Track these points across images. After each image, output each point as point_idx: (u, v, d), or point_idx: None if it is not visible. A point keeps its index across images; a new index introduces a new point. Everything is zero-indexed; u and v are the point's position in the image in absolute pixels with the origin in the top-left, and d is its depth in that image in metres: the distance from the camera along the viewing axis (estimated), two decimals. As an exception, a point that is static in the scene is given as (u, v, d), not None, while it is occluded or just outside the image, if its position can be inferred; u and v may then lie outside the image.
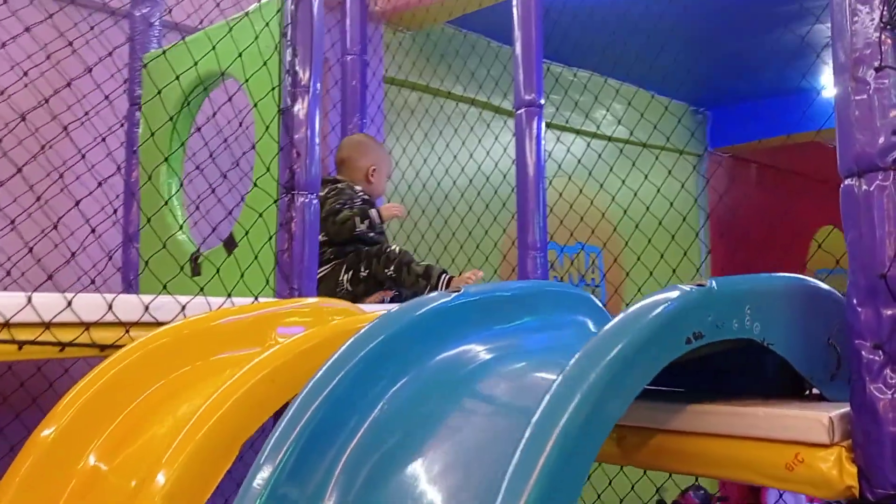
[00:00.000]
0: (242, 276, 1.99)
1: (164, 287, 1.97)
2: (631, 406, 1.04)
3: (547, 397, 0.95)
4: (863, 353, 1.13)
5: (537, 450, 0.90)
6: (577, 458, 0.92)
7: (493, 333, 1.39)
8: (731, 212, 5.86)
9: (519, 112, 2.78)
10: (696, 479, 4.77)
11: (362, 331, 1.29)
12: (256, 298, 1.99)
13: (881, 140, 1.13)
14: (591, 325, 1.59)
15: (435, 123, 3.81)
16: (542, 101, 2.82)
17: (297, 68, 2.10)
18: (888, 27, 1.13)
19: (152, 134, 2.32)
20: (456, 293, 1.39)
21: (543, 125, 2.83)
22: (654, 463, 1.34)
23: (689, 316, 1.07)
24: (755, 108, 5.66)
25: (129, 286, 2.71)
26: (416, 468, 1.15)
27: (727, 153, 6.06)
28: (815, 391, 1.38)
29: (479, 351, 1.34)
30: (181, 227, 2.53)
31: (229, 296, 1.93)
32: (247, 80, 2.14)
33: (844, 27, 1.17)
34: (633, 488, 2.39)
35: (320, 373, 1.22)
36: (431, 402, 1.24)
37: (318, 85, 2.13)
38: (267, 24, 2.04)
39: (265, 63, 2.06)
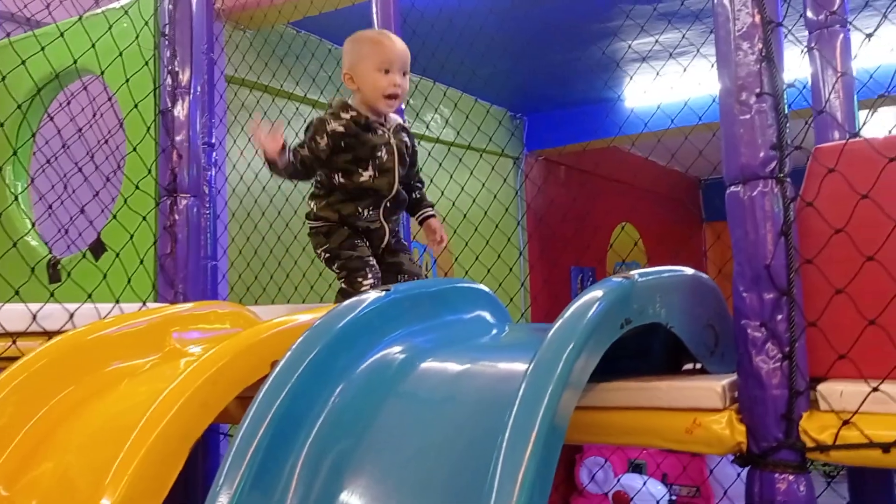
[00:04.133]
0: (129, 281, 1.92)
1: (17, 293, 1.85)
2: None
3: (519, 396, 1.05)
4: (748, 330, 1.35)
5: (521, 446, 0.98)
6: (552, 446, 1.02)
7: (424, 328, 1.49)
8: (544, 208, 6.31)
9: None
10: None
11: (305, 335, 1.33)
12: (144, 304, 1.93)
13: (762, 154, 1.35)
14: (489, 317, 1.73)
15: (276, 122, 3.78)
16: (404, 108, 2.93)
17: (176, 69, 2.05)
18: (766, 60, 1.35)
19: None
20: (387, 291, 1.47)
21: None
22: (572, 437, 1.49)
23: (623, 304, 1.23)
24: (566, 115, 6.15)
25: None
26: (375, 463, 1.21)
27: (541, 156, 6.51)
28: (691, 367, 1.62)
29: (417, 343, 1.43)
30: (33, 228, 2.36)
31: (117, 302, 1.86)
32: (126, 81, 2.05)
33: (730, 58, 1.39)
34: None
35: (270, 382, 1.24)
36: (376, 398, 1.31)
37: (199, 86, 2.09)
38: (146, 22, 1.98)
39: (146, 63, 1.99)
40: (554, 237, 5.99)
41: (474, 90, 5.71)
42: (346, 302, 1.43)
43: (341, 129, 2.21)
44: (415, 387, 1.38)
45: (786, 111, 1.37)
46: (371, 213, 2.27)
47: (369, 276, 2.24)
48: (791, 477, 1.29)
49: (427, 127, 5.13)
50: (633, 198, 7.12)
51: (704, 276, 1.55)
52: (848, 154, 1.36)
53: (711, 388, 1.37)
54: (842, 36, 2.18)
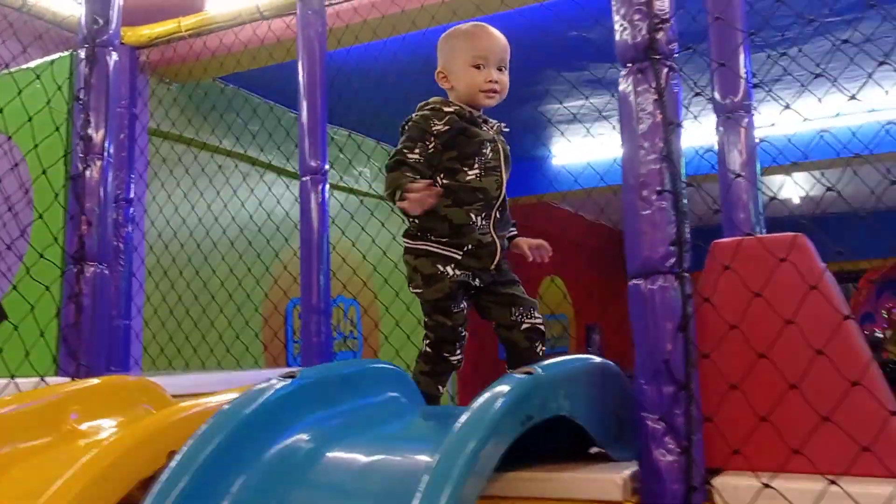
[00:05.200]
0: (28, 354, 1.83)
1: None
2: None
3: (421, 491, 1.05)
4: (648, 423, 1.37)
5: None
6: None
7: (327, 415, 1.46)
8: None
9: (304, 179, 2.85)
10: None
11: (203, 427, 1.30)
12: (43, 379, 1.85)
13: (661, 249, 1.39)
14: (403, 399, 1.72)
15: (200, 177, 3.73)
16: (327, 167, 2.93)
17: (90, 133, 2.01)
18: (666, 159, 1.40)
19: None
20: (293, 378, 1.44)
21: (328, 190, 2.93)
22: (480, 528, 1.48)
23: (524, 402, 1.24)
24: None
25: None
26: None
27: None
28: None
29: (316, 435, 1.40)
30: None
31: (13, 377, 1.79)
32: (35, 146, 1.99)
33: (634, 157, 1.43)
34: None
35: (164, 477, 1.20)
36: (279, 490, 1.28)
37: (115, 144, 2.05)
38: (59, 87, 1.94)
39: (58, 128, 1.94)
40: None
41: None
42: (249, 391, 1.40)
43: (446, 127, 2.01)
44: (320, 477, 1.35)
45: (684, 208, 1.42)
46: (483, 222, 2.04)
47: (457, 352, 2.05)
48: (689, 571, 1.30)
49: (357, 181, 5.14)
50: (562, 252, 7.24)
51: (610, 364, 1.57)
52: (743, 251, 1.41)
53: (612, 481, 1.38)
54: (746, 119, 2.29)
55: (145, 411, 1.81)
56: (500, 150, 2.12)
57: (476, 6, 2.74)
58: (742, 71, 2.29)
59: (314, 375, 1.49)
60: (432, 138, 2.01)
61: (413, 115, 2.10)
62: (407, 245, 2.08)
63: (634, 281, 1.42)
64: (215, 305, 3.25)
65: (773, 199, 2.22)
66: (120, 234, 3.15)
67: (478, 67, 2.07)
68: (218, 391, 1.92)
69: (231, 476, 1.29)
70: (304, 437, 1.40)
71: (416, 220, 2.03)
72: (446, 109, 2.05)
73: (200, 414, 1.49)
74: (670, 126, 1.42)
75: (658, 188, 1.41)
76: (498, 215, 2.08)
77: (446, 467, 1.08)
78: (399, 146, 2.02)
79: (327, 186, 2.90)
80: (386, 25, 2.94)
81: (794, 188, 7.48)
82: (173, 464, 1.24)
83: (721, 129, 2.30)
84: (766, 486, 1.27)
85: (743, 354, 1.37)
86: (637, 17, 1.46)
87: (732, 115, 2.29)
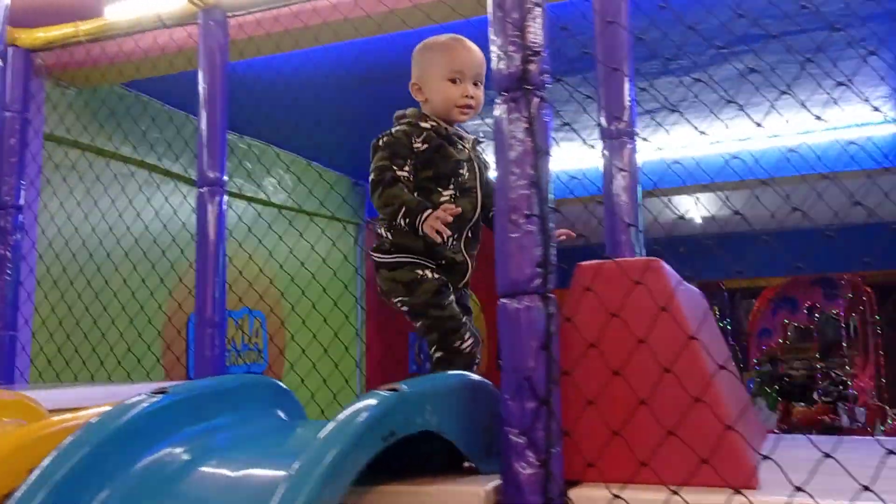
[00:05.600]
0: None
1: None
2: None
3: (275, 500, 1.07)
4: (511, 437, 1.43)
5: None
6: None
7: (198, 431, 1.47)
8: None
9: (202, 190, 2.83)
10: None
11: (64, 444, 1.29)
12: None
13: (528, 270, 1.45)
14: (283, 414, 1.73)
15: (96, 184, 3.64)
16: (226, 179, 2.91)
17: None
18: (535, 185, 1.47)
19: None
20: (162, 394, 1.44)
21: (226, 202, 2.91)
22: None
23: (386, 418, 1.28)
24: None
25: None
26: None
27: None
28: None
29: (184, 450, 1.40)
30: None
31: None
32: None
33: (505, 182, 1.49)
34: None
35: (19, 494, 1.19)
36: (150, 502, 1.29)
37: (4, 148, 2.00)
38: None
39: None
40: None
41: (320, 158, 5.77)
42: (117, 406, 1.39)
43: (424, 145, 2.00)
44: (187, 491, 1.35)
45: (551, 234, 1.48)
46: (454, 242, 2.03)
47: (468, 337, 1.98)
48: (545, 580, 1.36)
49: (267, 195, 5.11)
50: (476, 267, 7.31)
51: (483, 380, 1.62)
52: (602, 273, 1.49)
53: (476, 493, 1.43)
54: (629, 145, 2.40)
55: (15, 427, 1.76)
56: (477, 168, 2.11)
57: (378, 25, 2.79)
58: (626, 98, 2.40)
59: (185, 391, 1.49)
60: (413, 156, 2.00)
61: (392, 129, 2.08)
62: (380, 260, 2.07)
63: (502, 300, 1.48)
64: (107, 317, 3.17)
65: (681, 217, 2.34)
66: (8, 241, 3.05)
67: (454, 81, 2.06)
68: (99, 405, 1.90)
69: (94, 490, 1.29)
70: (174, 451, 1.40)
71: (390, 236, 2.03)
72: (423, 125, 2.04)
73: (66, 430, 1.47)
74: (539, 154, 1.49)
75: (526, 212, 1.47)
76: (470, 234, 2.10)
77: (301, 477, 1.11)
78: (385, 161, 2.00)
79: (225, 198, 2.88)
80: (289, 39, 2.95)
81: (698, 209, 7.80)
82: (31, 479, 1.24)
83: (606, 153, 2.40)
84: (616, 496, 1.34)
85: (601, 372, 1.45)
86: (511, 48, 1.53)
87: (617, 140, 2.39)
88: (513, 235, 1.48)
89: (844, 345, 10.66)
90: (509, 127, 1.51)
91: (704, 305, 1.87)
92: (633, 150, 2.40)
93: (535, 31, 1.53)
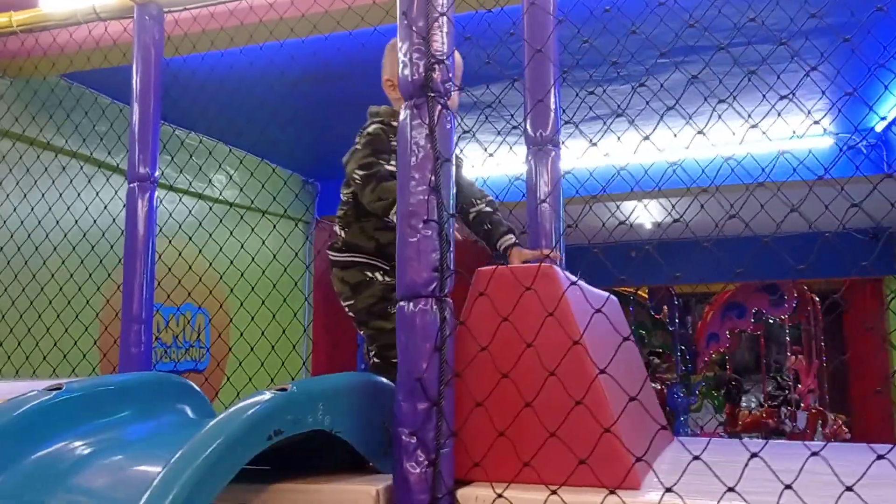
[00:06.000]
0: None
1: None
2: (229, 488, 1.23)
3: (148, 492, 1.09)
4: (402, 437, 1.46)
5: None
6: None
7: (95, 427, 1.48)
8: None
9: (132, 185, 2.82)
10: None
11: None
12: None
13: (425, 274, 1.49)
14: (189, 412, 1.75)
15: (27, 176, 3.58)
16: (158, 175, 2.90)
17: None
18: (434, 191, 1.50)
19: None
20: (57, 390, 1.45)
21: (157, 198, 2.90)
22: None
23: (271, 417, 1.30)
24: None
25: None
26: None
27: (331, 222, 6.61)
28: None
29: (80, 445, 1.41)
30: None
31: None
32: None
33: (405, 188, 1.52)
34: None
35: None
36: (33, 497, 1.29)
37: None
38: None
39: None
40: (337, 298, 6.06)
41: (272, 156, 5.76)
42: (8, 402, 1.39)
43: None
44: (77, 484, 1.36)
45: (449, 238, 1.52)
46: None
47: None
48: (430, 576, 1.39)
49: (217, 191, 5.08)
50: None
51: (382, 380, 1.65)
52: (496, 279, 1.53)
53: (367, 492, 1.47)
54: (554, 153, 2.45)
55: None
56: None
57: (313, 26, 2.80)
58: (552, 107, 2.46)
59: (82, 388, 1.50)
60: (391, 153, 1.99)
61: (369, 127, 2.08)
62: (334, 258, 2.08)
63: (401, 303, 1.51)
64: (33, 312, 3.14)
65: (622, 223, 2.39)
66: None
67: None
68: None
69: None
70: (69, 446, 1.42)
71: (343, 235, 2.05)
72: (395, 124, 1.95)
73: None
74: (439, 160, 1.53)
75: (425, 218, 1.50)
76: None
77: (176, 472, 1.13)
78: (371, 158, 2.00)
79: (156, 194, 2.87)
80: (224, 37, 2.95)
81: (648, 214, 7.92)
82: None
83: (531, 160, 2.45)
84: (500, 495, 1.38)
85: (491, 374, 1.49)
86: (416, 55, 1.56)
87: (542, 148, 2.44)
88: (411, 240, 1.51)
89: (788, 352, 10.92)
90: (411, 133, 1.54)
91: (614, 311, 1.92)
92: (557, 158, 2.46)
93: (441, 40, 1.57)
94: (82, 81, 3.98)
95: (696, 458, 1.31)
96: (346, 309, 2.08)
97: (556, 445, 1.41)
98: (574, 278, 1.54)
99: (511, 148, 2.35)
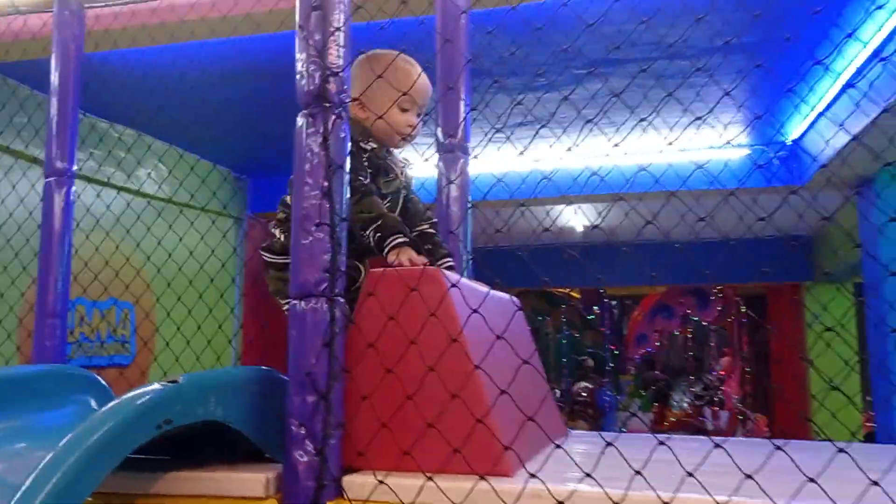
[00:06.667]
0: None
1: None
2: (118, 476, 1.31)
3: (34, 473, 1.16)
4: (293, 428, 1.55)
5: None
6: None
7: (-4, 416, 1.53)
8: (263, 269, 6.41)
9: (49, 180, 2.82)
10: None
11: None
12: None
13: (317, 275, 1.57)
14: (93, 404, 1.80)
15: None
16: (75, 169, 2.91)
17: None
18: (327, 196, 1.59)
19: None
20: (-48, 381, 1.50)
21: (74, 193, 2.91)
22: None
23: (161, 407, 1.38)
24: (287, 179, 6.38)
25: None
26: None
27: (265, 218, 6.63)
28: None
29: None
30: None
31: None
32: None
33: (300, 192, 1.61)
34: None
35: None
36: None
37: None
38: None
39: None
40: (270, 297, 6.09)
41: (201, 151, 5.75)
42: None
43: (367, 165, 1.92)
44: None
45: (340, 241, 1.61)
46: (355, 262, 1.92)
47: None
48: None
49: (141, 185, 5.06)
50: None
51: (276, 373, 1.73)
52: (385, 280, 1.63)
53: (258, 480, 1.55)
54: (463, 159, 2.55)
55: None
56: (400, 200, 2.06)
57: (233, 27, 2.86)
58: (461, 115, 2.56)
59: (-23, 379, 1.55)
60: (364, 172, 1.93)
61: None
62: (271, 260, 2.07)
63: (293, 302, 1.60)
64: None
65: (546, 229, 2.50)
66: None
67: (403, 110, 2.02)
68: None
69: None
70: (-39, 437, 1.46)
71: (282, 238, 2.01)
72: (364, 146, 1.95)
73: None
74: (332, 168, 1.61)
75: (317, 221, 1.59)
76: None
77: (60, 457, 1.19)
78: (352, 174, 1.80)
79: (73, 189, 2.88)
80: (144, 35, 2.98)
81: (578, 218, 8.14)
82: None
83: (441, 164, 2.56)
84: (381, 482, 1.48)
85: (377, 370, 1.58)
86: (312, 67, 1.65)
87: (451, 154, 2.55)
88: (304, 242, 1.59)
89: (716, 353, 11.31)
90: (307, 140, 1.62)
91: (508, 311, 2.03)
92: (466, 164, 2.56)
93: (336, 53, 1.66)
94: (1, 71, 3.94)
95: (557, 446, 1.43)
96: (284, 307, 2.13)
97: (435, 436, 1.52)
98: (456, 280, 1.64)
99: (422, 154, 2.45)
